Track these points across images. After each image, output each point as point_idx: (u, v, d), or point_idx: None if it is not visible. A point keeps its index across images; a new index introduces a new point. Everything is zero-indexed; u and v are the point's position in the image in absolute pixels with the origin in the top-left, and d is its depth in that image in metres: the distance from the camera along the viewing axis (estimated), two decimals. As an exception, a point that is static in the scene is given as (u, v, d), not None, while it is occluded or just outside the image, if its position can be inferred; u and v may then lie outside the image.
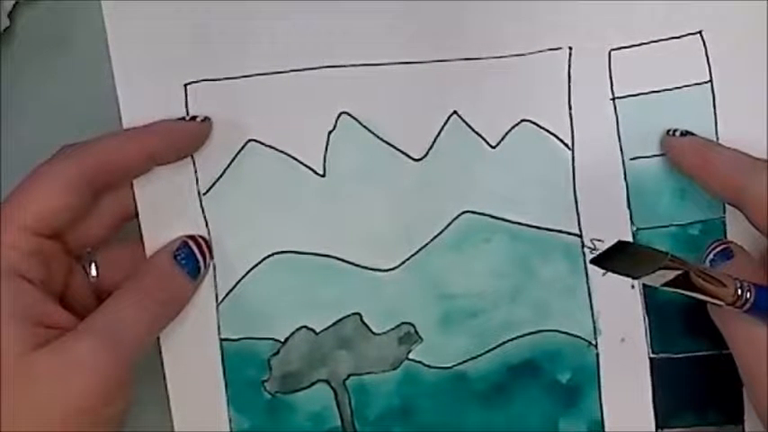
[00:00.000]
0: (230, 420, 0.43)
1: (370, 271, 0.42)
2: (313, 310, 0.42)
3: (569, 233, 0.42)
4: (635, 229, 0.42)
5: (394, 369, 0.42)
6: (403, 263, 0.42)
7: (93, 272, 0.41)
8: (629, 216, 0.42)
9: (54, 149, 0.39)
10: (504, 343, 0.42)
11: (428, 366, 0.42)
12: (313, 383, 0.43)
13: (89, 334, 0.36)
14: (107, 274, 0.41)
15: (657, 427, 0.43)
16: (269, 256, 0.42)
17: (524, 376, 0.42)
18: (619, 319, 0.42)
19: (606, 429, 0.43)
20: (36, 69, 0.47)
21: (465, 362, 0.43)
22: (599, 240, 0.42)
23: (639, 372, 0.42)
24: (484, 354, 0.43)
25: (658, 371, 0.43)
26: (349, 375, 0.43)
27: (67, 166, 0.38)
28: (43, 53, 0.47)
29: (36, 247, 0.37)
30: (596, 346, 0.42)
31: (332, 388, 0.42)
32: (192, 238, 0.41)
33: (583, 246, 0.42)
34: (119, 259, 0.42)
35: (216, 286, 0.42)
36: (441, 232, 0.42)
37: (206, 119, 0.41)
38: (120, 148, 0.39)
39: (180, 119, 0.41)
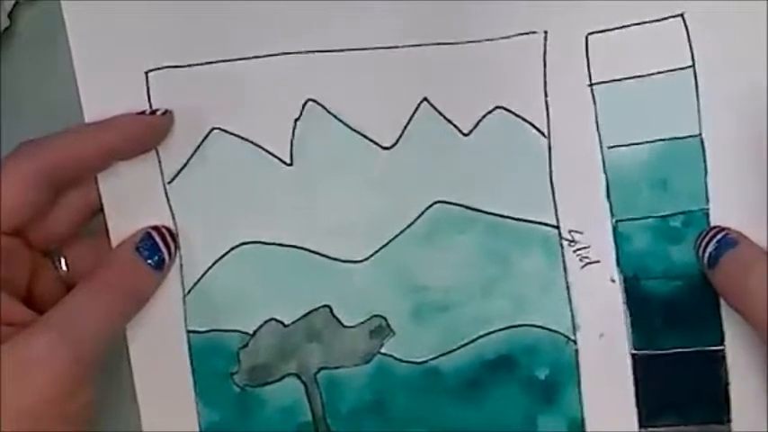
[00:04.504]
0: (199, 414, 0.44)
1: (340, 262, 0.43)
2: (282, 302, 0.43)
3: (546, 224, 0.43)
4: (615, 220, 0.42)
5: (366, 363, 0.43)
6: (374, 254, 0.43)
7: (63, 267, 0.43)
8: (608, 207, 0.42)
9: None
10: (479, 337, 0.43)
11: (400, 360, 0.43)
12: (283, 377, 0.44)
13: (45, 329, 0.37)
14: (78, 268, 0.43)
15: (640, 425, 0.43)
16: (236, 246, 0.43)
17: (500, 372, 0.43)
18: (598, 314, 0.43)
19: (587, 428, 0.43)
20: (36, 69, 0.49)
21: (438, 356, 0.43)
22: (577, 232, 0.42)
23: (621, 368, 0.43)
24: (458, 348, 0.43)
25: (640, 367, 0.43)
26: (320, 369, 0.43)
27: (26, 162, 0.39)
28: (43, 53, 0.48)
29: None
30: (575, 341, 0.43)
31: (302, 381, 0.43)
32: (155, 228, 0.42)
33: (561, 237, 0.42)
34: (89, 253, 0.43)
35: (182, 278, 0.43)
36: (412, 223, 0.43)
37: (167, 112, 0.42)
38: (79, 143, 0.40)
39: (140, 112, 0.42)
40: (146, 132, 0.42)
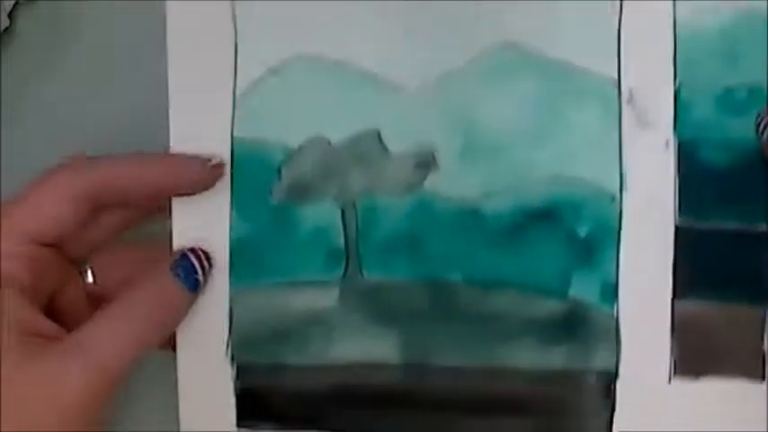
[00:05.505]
0: (231, 224, 0.43)
1: (396, 87, 0.43)
2: (331, 119, 0.43)
3: (607, 78, 0.42)
4: (678, 84, 0.42)
5: (407, 194, 0.43)
6: (431, 83, 0.43)
7: (90, 278, 0.43)
8: (673, 70, 0.42)
9: (54, 150, 0.41)
10: (525, 184, 0.43)
11: (443, 197, 0.43)
12: (321, 198, 0.43)
13: (77, 352, 0.37)
14: (104, 280, 0.43)
15: (674, 296, 0.42)
16: (294, 57, 0.43)
17: (541, 222, 0.43)
18: (648, 178, 0.42)
19: (620, 292, 0.42)
20: (36, 69, 0.49)
21: (482, 197, 0.43)
22: (638, 91, 0.42)
23: (663, 236, 0.42)
24: (502, 192, 0.43)
25: (683, 238, 0.42)
26: (360, 194, 0.43)
27: (73, 179, 0.39)
28: (43, 53, 0.49)
29: (31, 254, 0.39)
30: (620, 202, 0.42)
31: (340, 205, 0.43)
32: (192, 250, 0.42)
33: (619, 93, 0.42)
34: (117, 264, 0.43)
35: (235, 79, 0.43)
36: (473, 58, 0.43)
37: (220, 163, 0.42)
38: (129, 172, 0.40)
39: (197, 156, 0.42)
40: (198, 178, 0.42)
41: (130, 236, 0.44)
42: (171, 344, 0.43)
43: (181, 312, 0.42)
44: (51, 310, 0.40)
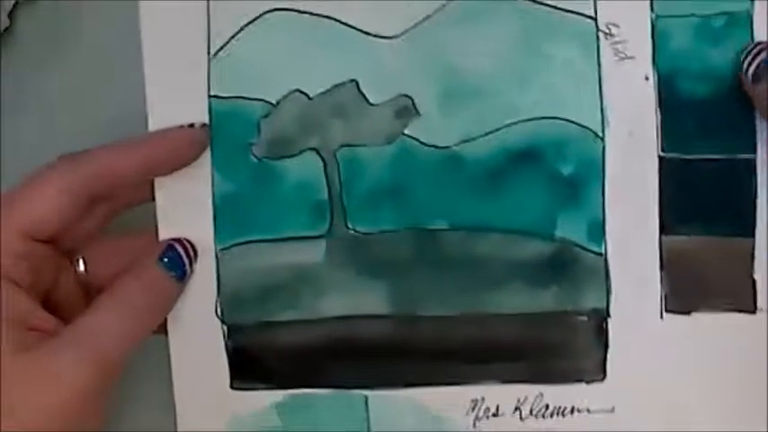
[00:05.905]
0: (213, 183, 0.43)
1: (372, 37, 0.42)
2: (308, 73, 0.43)
3: (583, 15, 0.42)
4: (654, 16, 0.42)
5: (388, 143, 0.43)
6: (407, 31, 0.42)
7: (81, 267, 0.43)
8: (649, 1, 0.41)
9: (54, 149, 0.40)
10: (506, 127, 0.42)
11: (424, 144, 0.43)
12: (302, 151, 0.43)
13: (71, 345, 0.38)
14: (95, 269, 0.43)
15: (662, 233, 0.42)
16: (268, 11, 0.43)
17: (524, 164, 0.42)
18: (629, 112, 0.42)
19: (607, 230, 0.42)
20: (36, 69, 0.49)
21: (463, 143, 0.42)
22: (615, 25, 0.42)
23: (647, 170, 0.42)
24: (483, 136, 0.42)
25: (668, 171, 0.42)
26: (341, 146, 0.43)
27: (67, 174, 0.39)
28: (43, 53, 0.48)
29: (28, 250, 0.39)
30: (603, 138, 0.42)
31: (321, 157, 0.43)
32: (177, 241, 0.42)
33: (597, 30, 0.42)
34: (107, 253, 0.43)
35: (209, 38, 0.42)
36: (448, 3, 0.42)
37: (204, 125, 0.42)
38: (120, 158, 0.40)
39: (179, 126, 0.42)
40: (184, 147, 0.42)
41: (116, 222, 0.44)
42: (164, 329, 0.43)
43: (170, 301, 0.42)
44: (48, 302, 0.40)
